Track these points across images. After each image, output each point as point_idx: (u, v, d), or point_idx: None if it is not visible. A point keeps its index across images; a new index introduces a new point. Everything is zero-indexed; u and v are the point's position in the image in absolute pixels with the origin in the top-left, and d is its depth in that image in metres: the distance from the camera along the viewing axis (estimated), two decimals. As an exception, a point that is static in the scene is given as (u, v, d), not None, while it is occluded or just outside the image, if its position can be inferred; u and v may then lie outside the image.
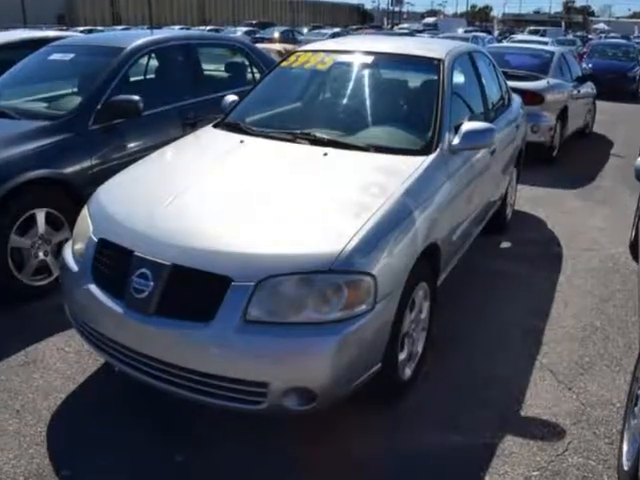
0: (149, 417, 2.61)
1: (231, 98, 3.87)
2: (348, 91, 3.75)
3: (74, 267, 2.59)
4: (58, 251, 3.55)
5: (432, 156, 2.99)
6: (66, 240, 3.37)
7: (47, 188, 3.63)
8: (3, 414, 2.62)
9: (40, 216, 3.59)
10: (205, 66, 5.24)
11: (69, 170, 3.71)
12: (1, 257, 3.42)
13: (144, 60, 4.68)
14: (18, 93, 4.45)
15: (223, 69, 5.70)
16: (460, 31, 29.21)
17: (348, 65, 3.85)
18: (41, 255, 3.64)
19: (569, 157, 8.00)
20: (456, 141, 3.13)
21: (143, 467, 2.35)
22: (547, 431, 2.60)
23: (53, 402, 2.71)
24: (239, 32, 27.38)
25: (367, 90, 3.69)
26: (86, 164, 3.81)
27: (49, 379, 2.88)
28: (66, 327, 3.07)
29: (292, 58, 3.98)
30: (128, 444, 2.46)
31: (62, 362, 3.02)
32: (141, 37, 4.63)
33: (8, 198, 3.40)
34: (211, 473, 2.33)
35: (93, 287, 2.44)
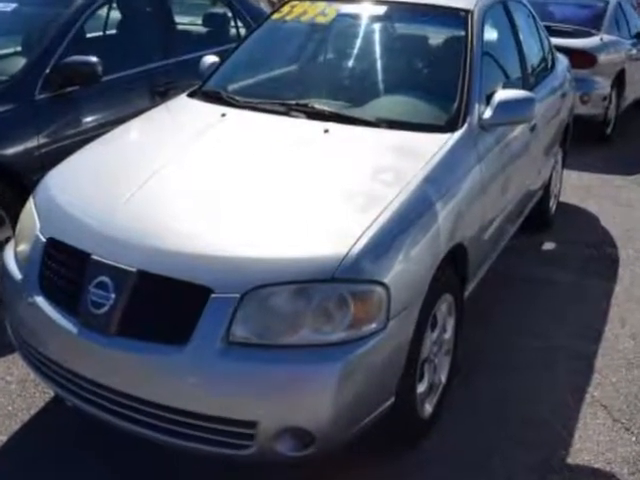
0: (108, 465, 2.59)
1: (210, 60, 3.87)
2: (355, 51, 3.75)
3: (17, 274, 2.57)
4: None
5: (458, 133, 2.99)
6: (7, 240, 3.36)
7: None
8: None
9: (-26, 209, 3.57)
10: (179, 19, 5.24)
11: (10, 151, 3.68)
12: None
13: (103, 11, 4.67)
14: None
15: (201, 22, 5.70)
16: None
17: (355, 18, 3.83)
18: (-24, 258, 3.63)
19: (627, 134, 8.00)
20: (488, 114, 3.13)
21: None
22: (600, 482, 2.60)
23: (-9, 446, 2.70)
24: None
25: (378, 50, 3.69)
26: (32, 143, 3.78)
27: (-15, 416, 2.86)
28: (7, 351, 3.05)
29: (286, 9, 3.96)
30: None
31: (2, 395, 2.99)
32: (99, -18, 4.59)
33: None
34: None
35: (40, 300, 2.42)
